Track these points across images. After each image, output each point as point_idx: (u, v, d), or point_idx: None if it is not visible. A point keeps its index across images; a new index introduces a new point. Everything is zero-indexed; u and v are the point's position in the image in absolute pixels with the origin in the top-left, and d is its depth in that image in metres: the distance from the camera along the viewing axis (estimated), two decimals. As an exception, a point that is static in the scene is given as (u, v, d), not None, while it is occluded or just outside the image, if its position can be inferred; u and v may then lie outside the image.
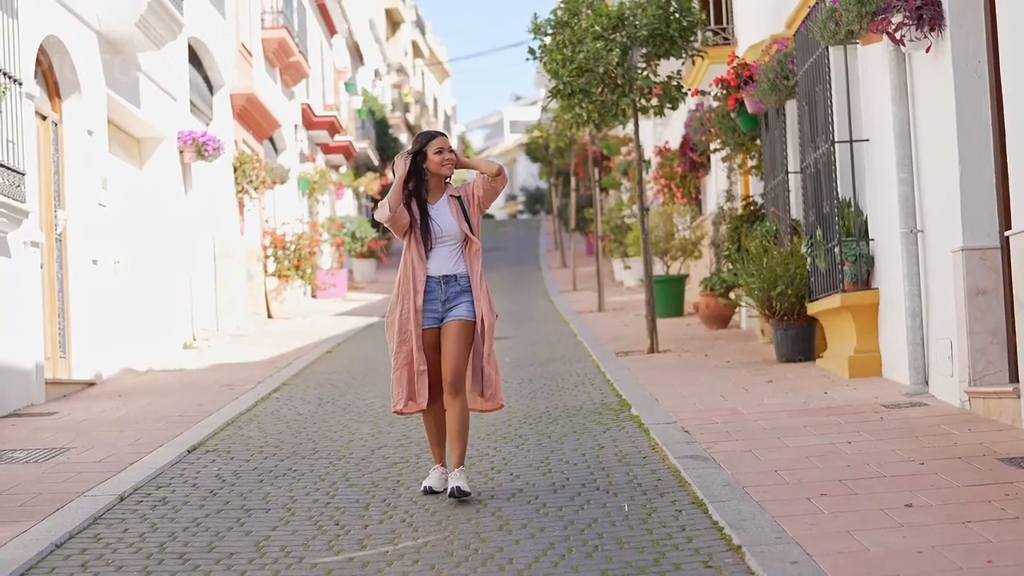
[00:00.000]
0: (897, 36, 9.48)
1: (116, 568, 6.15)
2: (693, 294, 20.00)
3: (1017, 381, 8.40)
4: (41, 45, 13.20)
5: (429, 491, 7.54)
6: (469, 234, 7.54)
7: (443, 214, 7.56)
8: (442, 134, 7.68)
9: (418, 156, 7.52)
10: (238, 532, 6.84)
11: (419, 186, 7.57)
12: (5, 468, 8.78)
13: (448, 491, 7.30)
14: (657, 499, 7.09)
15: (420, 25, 68.94)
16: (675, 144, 22.16)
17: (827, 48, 11.51)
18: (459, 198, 7.62)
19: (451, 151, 7.61)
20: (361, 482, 8.10)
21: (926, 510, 6.25)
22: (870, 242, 11.38)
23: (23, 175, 11.98)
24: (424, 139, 7.60)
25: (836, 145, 11.58)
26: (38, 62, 13.27)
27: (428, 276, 7.55)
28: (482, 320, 7.52)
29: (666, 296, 20.09)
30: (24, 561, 6.21)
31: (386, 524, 6.91)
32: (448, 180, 7.69)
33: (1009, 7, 8.12)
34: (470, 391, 7.57)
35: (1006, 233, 8.49)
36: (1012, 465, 7.13)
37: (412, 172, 7.52)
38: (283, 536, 6.72)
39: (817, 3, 11.32)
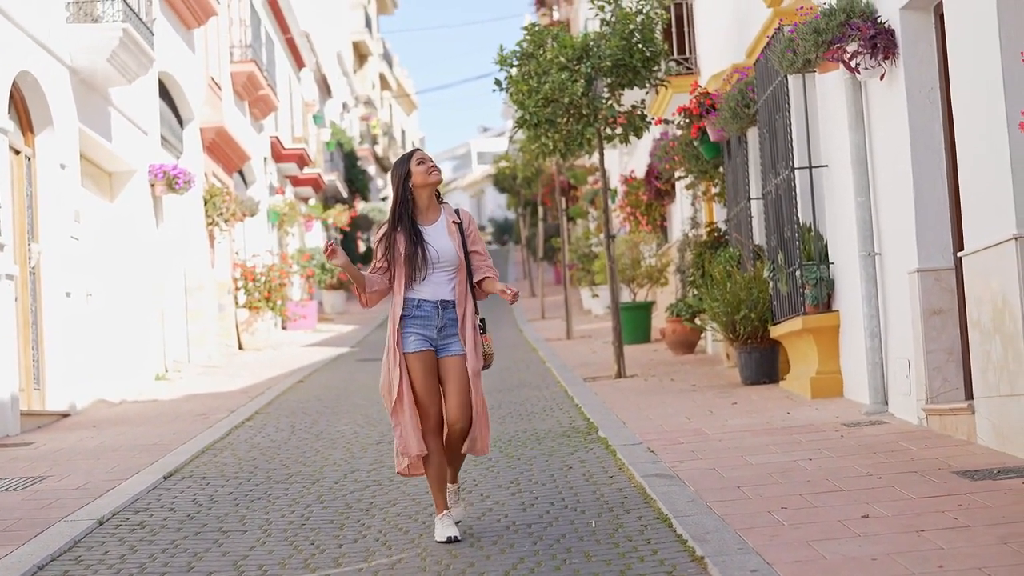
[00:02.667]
0: (852, 64, 9.77)
1: (98, 588, 6.33)
2: (660, 320, 20.25)
3: (972, 398, 8.65)
4: (14, 81, 13.37)
5: (454, 540, 6.90)
6: (464, 265, 7.08)
7: (440, 235, 7.08)
8: (418, 149, 7.28)
9: (407, 179, 7.05)
10: (216, 553, 7.02)
11: (408, 209, 7.06)
12: (-16, 496, 8.93)
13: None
14: (623, 515, 7.30)
15: (387, 58, 69.27)
16: (640, 173, 22.46)
17: (786, 77, 11.79)
18: (459, 224, 7.15)
19: (433, 161, 7.14)
20: (335, 504, 8.28)
21: (882, 521, 6.48)
22: (830, 265, 11.65)
23: (-3, 209, 12.15)
24: (404, 160, 7.14)
25: (796, 171, 11.85)
26: (11, 97, 13.44)
27: (423, 300, 7.01)
28: (468, 367, 7.03)
29: (633, 323, 20.33)
30: (7, 583, 6.38)
31: (360, 543, 7.09)
32: (444, 201, 7.23)
33: (959, 35, 8.41)
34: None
35: (959, 254, 8.76)
36: (966, 478, 7.37)
37: (401, 199, 7.06)
38: (260, 556, 6.89)
39: (776, 33, 11.60)
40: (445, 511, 7.04)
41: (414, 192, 7.08)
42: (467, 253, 7.11)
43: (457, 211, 7.22)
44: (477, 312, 7.17)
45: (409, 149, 7.06)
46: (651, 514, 7.26)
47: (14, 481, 9.51)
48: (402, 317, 7.03)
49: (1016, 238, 7.55)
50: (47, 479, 9.57)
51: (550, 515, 7.48)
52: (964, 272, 8.55)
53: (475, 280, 7.16)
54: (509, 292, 6.94)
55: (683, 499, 7.40)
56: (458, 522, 7.12)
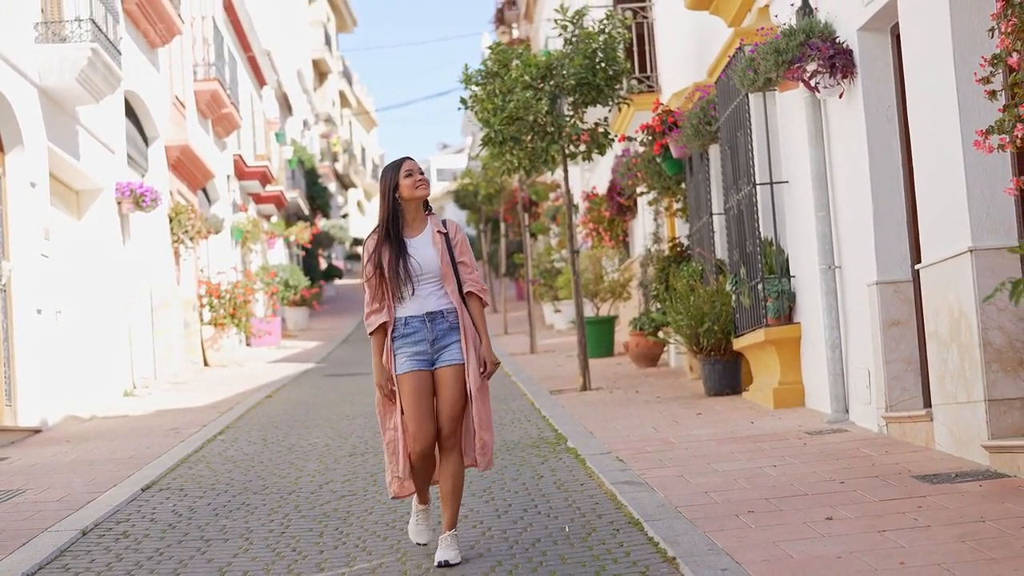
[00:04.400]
0: (812, 83, 10.07)
1: (88, 593, 6.52)
2: (623, 335, 20.50)
3: (930, 406, 8.93)
4: (-15, 100, 13.53)
5: (422, 544, 6.98)
6: (451, 274, 6.87)
7: (424, 246, 6.88)
8: (408, 158, 7.00)
9: (395, 191, 6.88)
10: (200, 560, 7.20)
11: (395, 220, 6.89)
12: (-35, 509, 9.07)
13: (436, 561, 6.66)
14: (596, 520, 7.53)
15: (347, 75, 69.45)
16: (602, 189, 22.72)
17: (747, 95, 12.06)
18: (446, 235, 6.94)
19: (421, 172, 6.95)
20: (313, 513, 8.48)
21: (845, 522, 6.74)
22: (791, 279, 11.93)
23: (-29, 227, 12.29)
24: (393, 169, 6.94)
25: (757, 187, 12.13)
26: (-18, 117, 13.59)
27: (410, 316, 6.81)
28: (469, 381, 6.80)
29: (597, 337, 20.56)
30: (-1, 590, 6.56)
31: (341, 549, 7.30)
32: (430, 212, 7.04)
33: (915, 56, 8.70)
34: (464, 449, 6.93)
35: (916, 267, 9.05)
36: (925, 481, 7.65)
37: (388, 210, 6.87)
38: (244, 562, 7.08)
39: (736, 52, 11.88)
40: (425, 505, 6.98)
41: (401, 204, 6.91)
42: (455, 264, 6.93)
43: (444, 222, 7.04)
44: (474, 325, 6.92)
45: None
46: (622, 519, 7.49)
47: (-7, 494, 9.66)
48: (393, 337, 6.86)
49: (971, 251, 7.84)
50: (26, 492, 9.72)
51: (524, 521, 7.71)
52: (922, 284, 8.83)
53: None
54: (486, 370, 6.87)
55: (653, 504, 7.64)
56: (454, 563, 6.64)
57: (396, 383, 6.83)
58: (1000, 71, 6.74)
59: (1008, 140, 6.56)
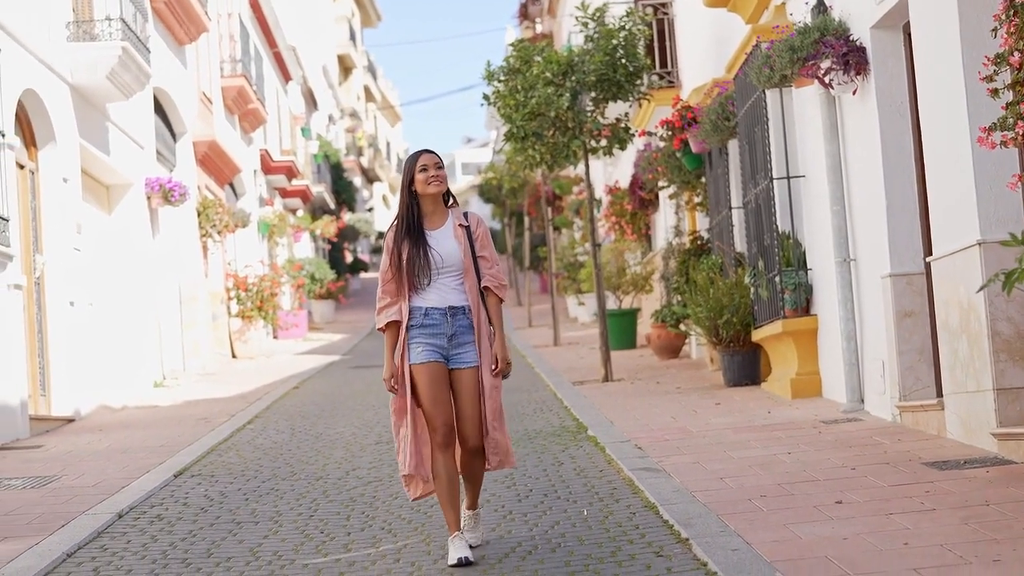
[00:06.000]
0: (826, 80, 10.29)
1: (126, 572, 6.82)
2: (645, 327, 20.72)
3: (942, 395, 9.16)
4: (19, 98, 13.83)
5: (466, 562, 6.48)
6: (472, 269, 6.76)
7: (445, 238, 6.74)
8: (427, 151, 6.84)
9: (412, 184, 6.76)
10: (232, 541, 7.49)
11: (413, 213, 6.76)
12: (5, 494, 9.39)
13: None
14: (613, 504, 7.79)
15: (372, 70, 69.75)
16: (625, 183, 22.94)
17: (764, 91, 12.27)
18: (467, 228, 6.83)
19: (438, 167, 6.76)
20: (340, 498, 8.76)
21: (854, 506, 6.97)
22: (808, 271, 12.15)
23: (7, 221, 12.61)
24: (411, 161, 6.82)
25: (775, 181, 12.35)
26: (16, 114, 13.88)
27: (432, 307, 6.67)
28: (483, 378, 6.71)
29: (619, 329, 20.79)
30: (40, 568, 6.85)
31: (367, 532, 7.57)
32: (451, 204, 6.91)
33: (925, 53, 8.92)
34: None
35: (928, 259, 9.26)
36: (934, 468, 7.88)
37: (406, 202, 6.76)
38: (274, 543, 7.37)
39: (753, 49, 12.09)
40: (457, 532, 6.60)
41: (418, 197, 6.80)
42: (476, 258, 6.81)
43: (466, 214, 6.89)
44: (489, 322, 6.81)
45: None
46: (639, 503, 7.74)
47: (31, 480, 9.96)
48: (409, 327, 6.70)
49: (980, 244, 8.06)
50: (62, 478, 10.03)
51: (544, 505, 7.97)
52: (933, 276, 9.05)
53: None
54: (495, 368, 6.74)
55: (669, 489, 7.89)
56: (474, 546, 6.77)
57: (410, 373, 6.65)
58: (1004, 69, 6.95)
59: (1010, 137, 6.77)
